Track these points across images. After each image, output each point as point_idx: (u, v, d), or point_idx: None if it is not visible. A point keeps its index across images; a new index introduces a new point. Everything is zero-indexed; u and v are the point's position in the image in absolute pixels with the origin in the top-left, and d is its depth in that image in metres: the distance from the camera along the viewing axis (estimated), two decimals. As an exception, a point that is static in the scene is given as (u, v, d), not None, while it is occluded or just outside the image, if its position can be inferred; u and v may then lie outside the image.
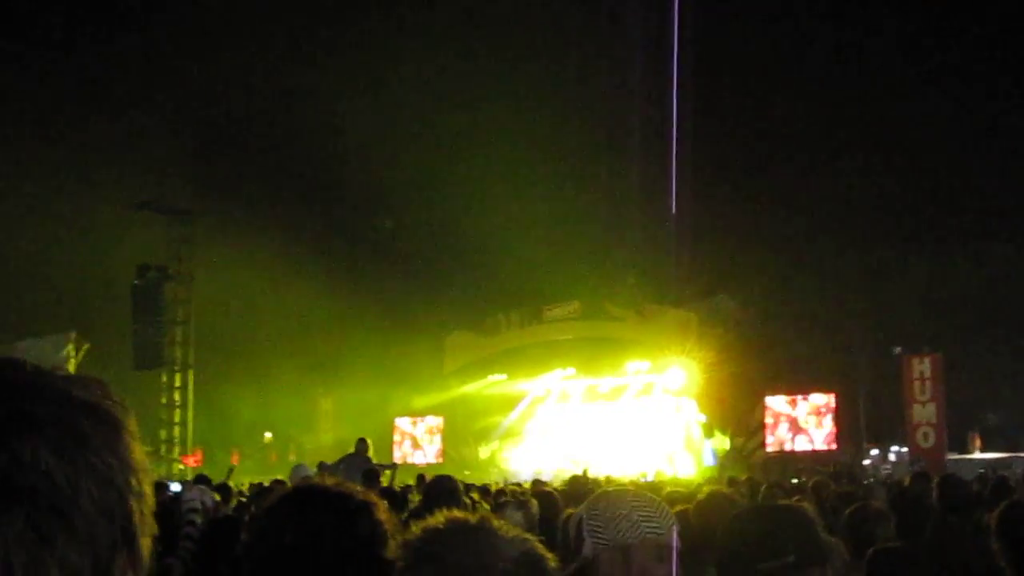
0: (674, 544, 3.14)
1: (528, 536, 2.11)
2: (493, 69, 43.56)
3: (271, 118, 44.10)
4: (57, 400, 1.01)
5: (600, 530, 3.13)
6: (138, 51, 46.23)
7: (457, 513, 2.11)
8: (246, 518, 2.62)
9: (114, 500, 0.99)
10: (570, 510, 4.85)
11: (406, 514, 7.36)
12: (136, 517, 1.02)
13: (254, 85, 45.00)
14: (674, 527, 3.16)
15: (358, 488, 2.62)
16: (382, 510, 2.54)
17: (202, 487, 10.02)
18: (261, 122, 44.88)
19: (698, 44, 36.15)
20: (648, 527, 3.10)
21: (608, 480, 15.98)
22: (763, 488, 11.76)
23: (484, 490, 13.36)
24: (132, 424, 1.07)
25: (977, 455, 35.13)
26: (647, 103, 41.28)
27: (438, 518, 2.10)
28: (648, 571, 3.03)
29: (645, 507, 3.13)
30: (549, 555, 2.08)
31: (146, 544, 1.06)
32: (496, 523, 2.10)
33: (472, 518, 2.13)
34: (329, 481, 2.64)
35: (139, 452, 1.05)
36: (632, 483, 15.45)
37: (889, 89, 43.04)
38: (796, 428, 36.00)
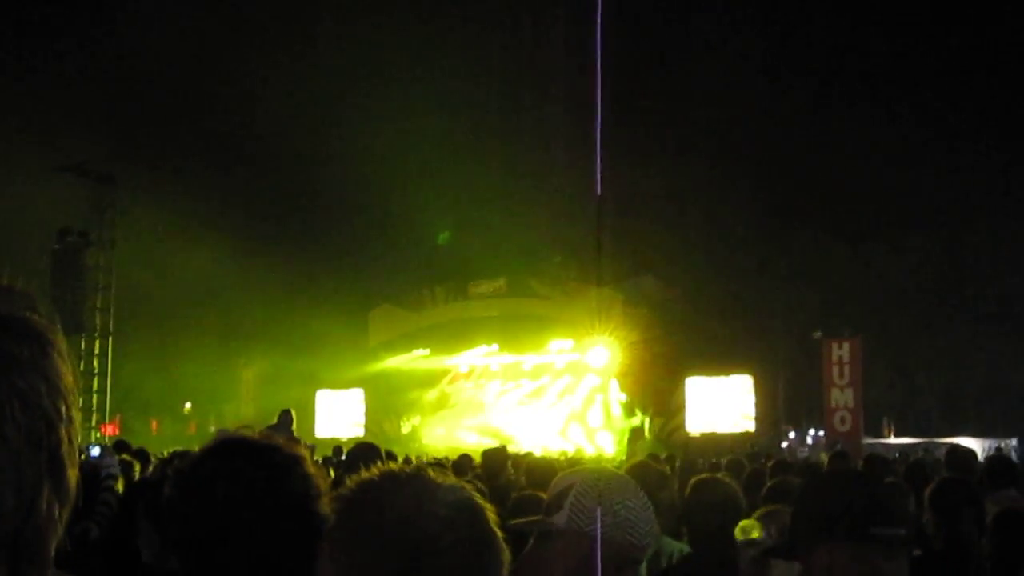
0: (640, 558, 3.06)
1: (465, 484, 2.10)
2: (422, 43, 43.41)
3: (197, 83, 43.52)
4: None
5: (583, 511, 3.03)
6: (63, 10, 45.41)
7: (391, 465, 2.10)
8: (169, 473, 2.53)
9: (41, 426, 0.93)
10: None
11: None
12: (64, 446, 0.96)
13: (180, 48, 44.34)
14: (651, 543, 3.07)
15: (289, 441, 2.56)
16: (311, 464, 2.48)
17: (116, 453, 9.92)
18: (187, 87, 44.30)
19: (624, 21, 36.34)
20: (628, 533, 2.98)
21: (528, 456, 15.94)
22: (679, 464, 11.86)
23: (407, 462, 13.33)
24: (61, 343, 1.00)
25: (892, 440, 35.73)
26: (572, 81, 41.40)
27: (371, 471, 2.08)
28: (605, 572, 2.90)
29: (635, 511, 3.04)
30: (486, 504, 2.07)
31: (72, 475, 0.99)
32: (431, 472, 2.09)
33: (407, 468, 2.12)
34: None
35: (68, 374, 0.98)
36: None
37: (812, 74, 43.47)
38: (716, 409, 36.33)
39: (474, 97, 43.35)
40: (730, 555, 4.47)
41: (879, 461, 9.06)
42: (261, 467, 2.36)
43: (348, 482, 2.10)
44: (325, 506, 2.39)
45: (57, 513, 0.96)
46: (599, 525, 2.98)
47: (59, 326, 1.01)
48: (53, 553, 0.98)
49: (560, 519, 3.03)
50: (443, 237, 42.88)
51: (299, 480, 2.38)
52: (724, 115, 41.33)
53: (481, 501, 2.05)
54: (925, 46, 41.36)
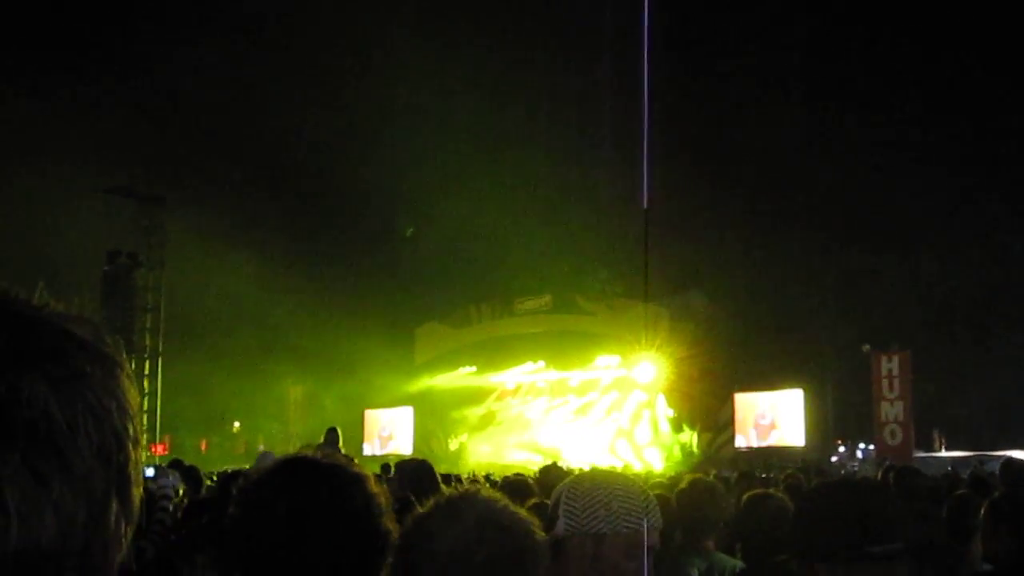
0: (649, 543, 3.06)
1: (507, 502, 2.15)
2: (466, 65, 43.53)
3: (245, 106, 43.91)
4: (54, 335, 0.95)
5: (575, 513, 3.04)
6: (113, 34, 45.96)
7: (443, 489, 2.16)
8: (233, 492, 2.55)
9: (111, 443, 0.94)
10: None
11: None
12: (132, 464, 0.98)
13: (229, 72, 44.75)
14: (655, 526, 3.07)
15: (348, 460, 2.58)
16: (374, 483, 2.51)
17: (175, 471, 9.99)
18: (236, 110, 44.67)
19: (672, 38, 36.27)
20: (625, 521, 2.98)
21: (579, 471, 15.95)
22: (735, 477, 11.79)
23: (458, 480, 13.33)
24: (127, 366, 1.03)
25: (943, 453, 35.37)
26: (620, 97, 41.33)
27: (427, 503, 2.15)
28: (616, 565, 2.94)
29: (628, 499, 3.01)
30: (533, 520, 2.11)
31: (137, 494, 1.01)
32: (485, 493, 2.14)
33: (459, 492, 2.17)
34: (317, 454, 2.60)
35: (134, 397, 1.00)
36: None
37: (867, 88, 43.26)
38: (765, 424, 36.14)
39: (520, 114, 43.44)
40: (783, 571, 4.46)
41: (909, 472, 8.98)
42: (324, 484, 2.39)
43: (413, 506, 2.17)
44: (388, 523, 2.42)
45: (123, 530, 0.98)
46: (594, 518, 3.00)
47: (123, 351, 1.03)
48: (117, 570, 1.00)
49: (559, 528, 3.06)
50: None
51: (362, 498, 2.41)
52: (772, 130, 41.16)
53: (518, 517, 2.10)
54: (977, 53, 41.07)
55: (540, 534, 2.14)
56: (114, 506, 0.94)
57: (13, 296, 0.97)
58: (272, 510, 2.35)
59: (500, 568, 2.00)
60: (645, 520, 3.02)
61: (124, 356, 1.00)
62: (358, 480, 2.45)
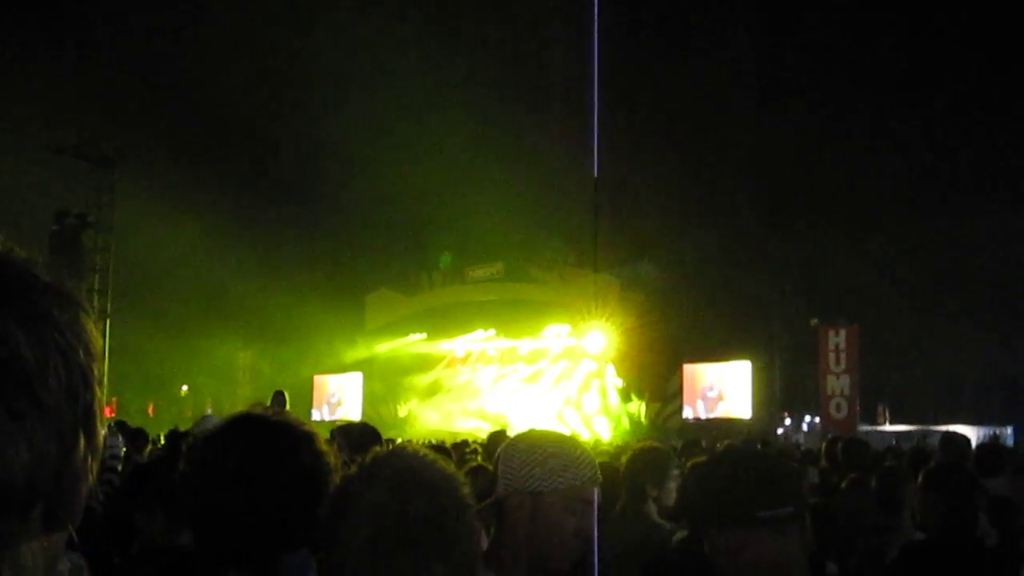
0: (587, 497, 3.07)
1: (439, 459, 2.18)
2: (420, 31, 43.35)
3: (199, 67, 43.44)
4: (20, 277, 0.98)
5: (512, 472, 3.05)
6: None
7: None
8: (183, 448, 2.54)
9: (79, 382, 0.96)
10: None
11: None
12: (96, 404, 1.00)
13: (180, 31, 44.31)
14: (594, 480, 3.08)
15: (297, 420, 2.59)
16: (322, 442, 2.52)
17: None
18: (188, 71, 44.23)
19: (623, 5, 36.29)
20: (561, 476, 3.01)
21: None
22: (680, 446, 11.89)
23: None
24: (90, 310, 1.05)
25: (887, 427, 35.79)
26: (570, 66, 41.30)
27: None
28: (556, 521, 2.95)
29: (564, 454, 3.02)
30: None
31: (102, 432, 1.04)
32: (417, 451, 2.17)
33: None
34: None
35: (97, 339, 1.02)
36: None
37: (820, 63, 43.43)
38: (712, 396, 36.38)
39: (472, 82, 43.27)
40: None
41: (858, 446, 9.14)
42: (272, 441, 2.40)
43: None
44: (337, 480, 2.44)
45: (90, 465, 1.01)
46: (531, 477, 3.02)
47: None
48: (84, 504, 1.03)
49: (498, 489, 3.08)
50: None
51: (309, 455, 2.42)
52: (723, 103, 41.29)
53: (442, 474, 2.12)
54: (926, 35, 41.32)
55: (466, 492, 2.15)
56: (82, 442, 0.97)
57: None
58: (220, 466, 2.36)
59: (417, 525, 2.02)
60: (581, 474, 3.04)
61: (86, 300, 1.02)
62: (306, 438, 2.47)
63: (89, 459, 1.00)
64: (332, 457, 2.48)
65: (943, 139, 40.30)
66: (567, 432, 3.34)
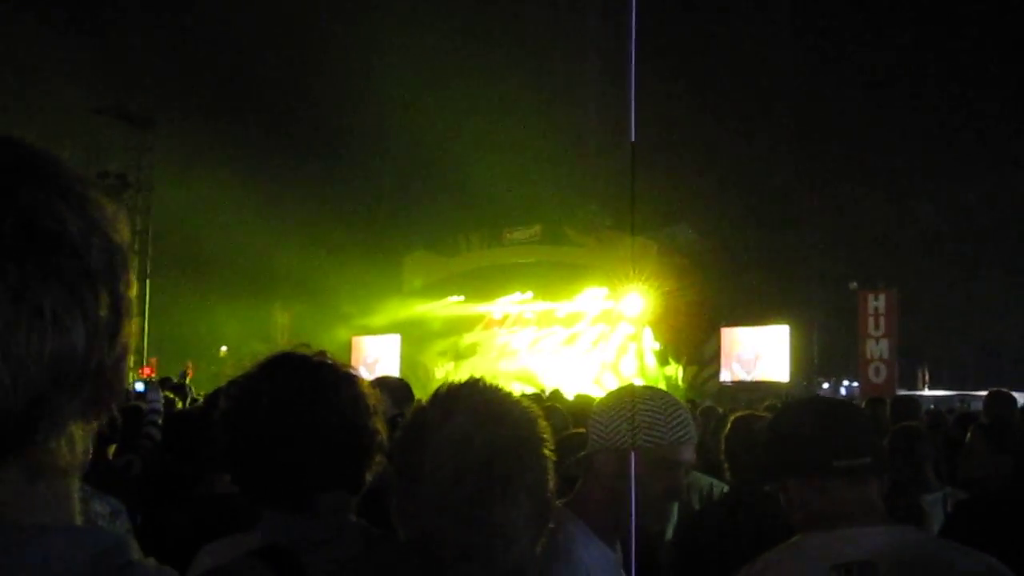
0: (680, 458, 3.01)
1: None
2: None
3: (239, 29, 43.46)
4: (53, 161, 1.02)
5: (600, 427, 3.02)
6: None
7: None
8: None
9: (117, 262, 0.99)
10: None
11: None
12: (130, 291, 1.02)
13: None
14: (685, 440, 3.03)
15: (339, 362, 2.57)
16: (366, 384, 2.50)
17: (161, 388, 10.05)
18: (228, 33, 44.25)
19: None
20: (648, 435, 2.96)
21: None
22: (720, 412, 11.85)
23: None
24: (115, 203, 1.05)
25: (926, 391, 35.59)
26: (608, 27, 41.08)
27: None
28: (640, 481, 2.87)
29: (654, 411, 2.99)
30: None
31: (133, 324, 1.04)
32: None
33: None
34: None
35: (126, 230, 1.03)
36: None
37: (861, 22, 42.98)
38: (750, 359, 36.27)
39: (510, 44, 43.13)
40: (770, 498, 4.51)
41: (905, 400, 9.08)
42: (311, 378, 2.39)
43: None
44: (377, 424, 2.42)
45: (127, 352, 1.02)
46: (617, 433, 2.97)
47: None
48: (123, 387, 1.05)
49: (589, 444, 3.05)
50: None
51: (348, 396, 2.40)
52: (762, 63, 40.97)
53: (519, 408, 2.08)
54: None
55: (543, 425, 2.12)
56: (124, 320, 1.00)
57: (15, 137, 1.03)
58: (257, 401, 2.35)
59: (498, 459, 1.98)
60: (671, 433, 3.00)
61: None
62: (347, 378, 2.45)
63: (128, 342, 1.01)
64: (374, 400, 2.47)
65: (985, 100, 39.82)
66: (660, 391, 3.26)
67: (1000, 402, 8.54)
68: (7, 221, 0.91)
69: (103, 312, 0.96)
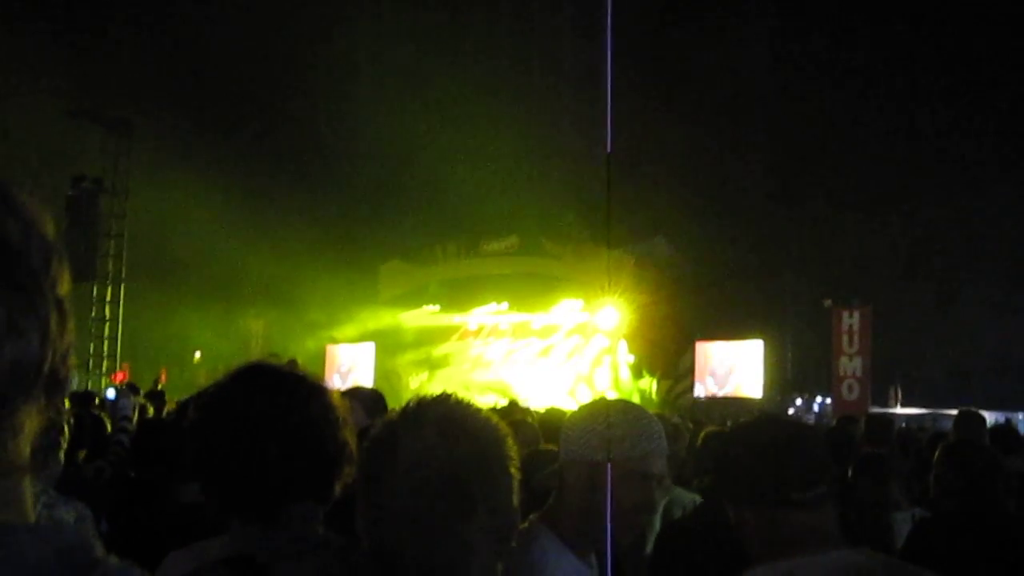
0: (651, 470, 3.01)
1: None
2: (432, 4, 43.29)
3: (217, 36, 43.38)
4: None
5: (571, 440, 3.02)
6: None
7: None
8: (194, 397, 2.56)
9: (53, 261, 1.00)
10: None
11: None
12: (64, 287, 1.02)
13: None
14: (657, 453, 3.03)
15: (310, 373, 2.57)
16: (336, 395, 2.50)
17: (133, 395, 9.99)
18: (207, 38, 44.16)
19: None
20: (620, 447, 2.97)
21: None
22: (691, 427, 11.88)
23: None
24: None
25: (898, 409, 35.73)
26: (586, 38, 41.20)
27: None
28: (615, 494, 2.88)
29: (625, 424, 2.99)
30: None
31: (72, 327, 1.04)
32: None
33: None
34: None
35: (52, 228, 1.03)
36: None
37: (833, 39, 43.17)
38: (723, 374, 36.36)
39: (486, 54, 43.17)
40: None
41: (879, 419, 9.14)
42: (282, 390, 2.38)
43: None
44: (347, 435, 2.42)
45: (71, 350, 1.04)
46: (588, 446, 2.97)
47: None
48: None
49: (560, 456, 3.06)
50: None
51: (319, 406, 2.40)
52: (738, 78, 41.15)
53: (487, 423, 2.09)
54: (941, 11, 41.02)
55: (509, 442, 2.12)
56: (68, 324, 1.01)
57: None
58: (228, 412, 2.34)
59: (463, 474, 1.99)
60: (642, 446, 2.99)
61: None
62: (317, 390, 2.45)
63: (72, 340, 1.03)
64: (342, 412, 2.47)
65: (958, 119, 40.05)
66: (633, 404, 3.27)
67: (968, 422, 8.59)
68: None
69: (52, 314, 0.97)
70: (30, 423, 0.98)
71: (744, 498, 2.81)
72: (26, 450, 0.98)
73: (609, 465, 2.91)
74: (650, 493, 3.00)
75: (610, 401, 3.20)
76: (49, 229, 1.01)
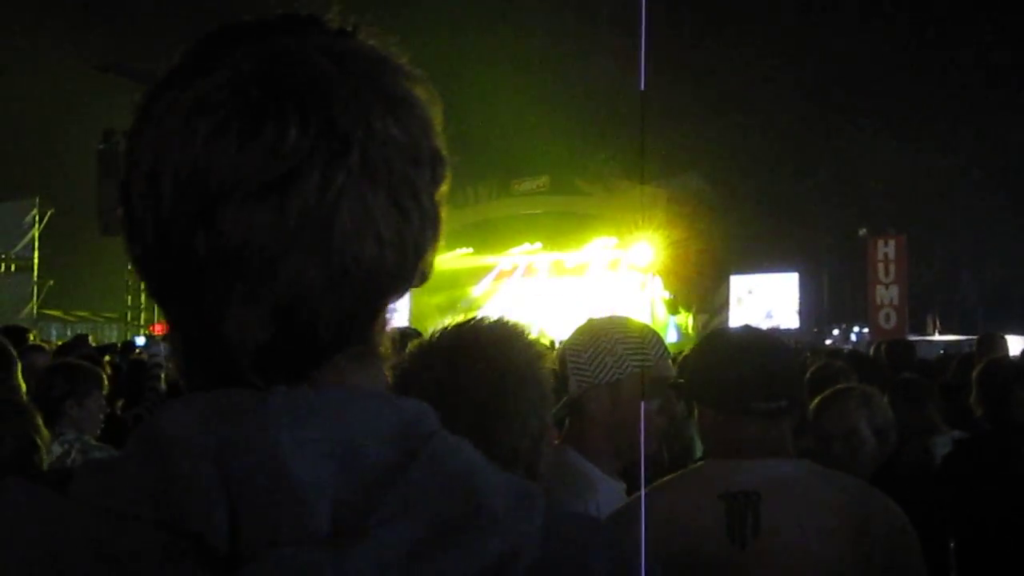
0: (665, 374, 3.06)
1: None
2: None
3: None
4: (379, 62, 1.20)
5: (583, 367, 3.03)
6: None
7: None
8: None
9: (440, 171, 1.20)
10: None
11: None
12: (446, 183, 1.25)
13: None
14: (666, 356, 3.07)
15: None
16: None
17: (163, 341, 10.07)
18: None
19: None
20: (635, 360, 2.98)
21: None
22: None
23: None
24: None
25: (936, 337, 35.59)
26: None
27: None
28: (635, 407, 2.96)
29: (631, 338, 3.03)
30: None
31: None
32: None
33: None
34: None
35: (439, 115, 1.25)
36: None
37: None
38: (759, 307, 36.29)
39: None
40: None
41: (902, 344, 9.13)
42: None
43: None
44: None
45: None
46: (603, 367, 2.99)
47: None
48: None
49: (571, 387, 3.06)
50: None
51: None
52: (770, 8, 40.71)
53: (506, 342, 2.09)
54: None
55: (532, 355, 2.14)
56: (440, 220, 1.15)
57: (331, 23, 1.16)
58: None
59: (477, 392, 2.01)
60: (654, 352, 3.03)
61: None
62: None
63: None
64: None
65: (991, 40, 39.51)
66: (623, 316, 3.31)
67: (991, 343, 8.57)
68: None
69: (429, 230, 1.13)
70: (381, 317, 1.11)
71: (706, 402, 2.89)
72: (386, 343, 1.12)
73: (642, 375, 2.96)
74: (668, 395, 3.06)
75: (602, 320, 3.23)
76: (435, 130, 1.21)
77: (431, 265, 1.14)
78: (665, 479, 2.90)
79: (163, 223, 0.99)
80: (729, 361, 2.87)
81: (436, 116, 1.20)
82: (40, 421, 3.99)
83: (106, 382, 5.73)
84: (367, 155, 1.00)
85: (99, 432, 5.21)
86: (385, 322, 1.11)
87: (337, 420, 0.97)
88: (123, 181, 1.09)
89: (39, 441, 3.84)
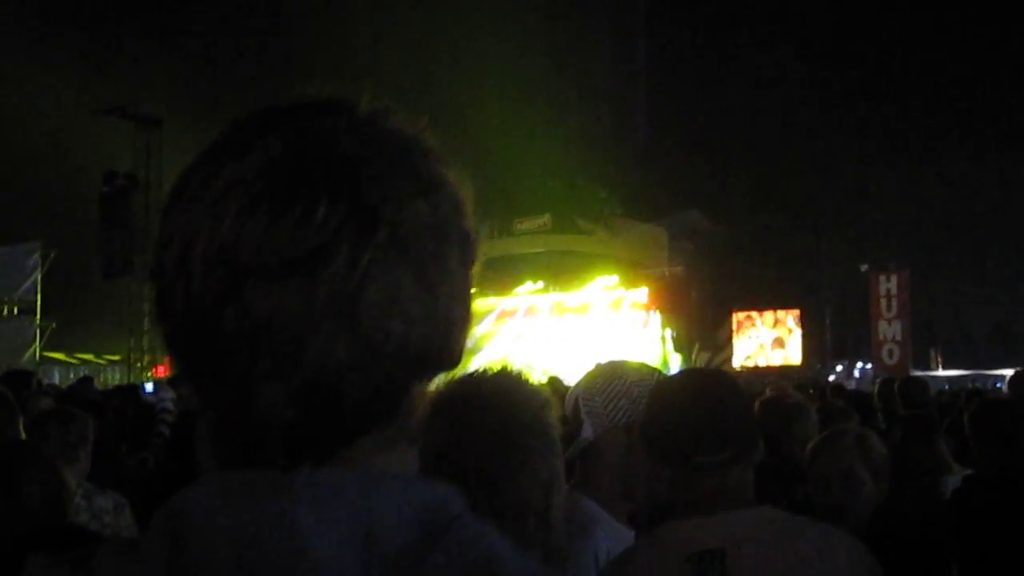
0: None
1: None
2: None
3: (247, 28, 43.55)
4: (404, 143, 1.16)
5: (597, 411, 3.03)
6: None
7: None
8: None
9: (468, 247, 1.14)
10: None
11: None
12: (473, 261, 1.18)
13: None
14: None
15: None
16: None
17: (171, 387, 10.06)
18: (236, 31, 44.34)
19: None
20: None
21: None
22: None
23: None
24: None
25: (940, 372, 35.55)
26: (619, 15, 41.02)
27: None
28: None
29: (644, 379, 3.05)
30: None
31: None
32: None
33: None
34: None
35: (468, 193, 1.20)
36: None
37: (866, 3, 42.86)
38: (762, 343, 36.26)
39: (519, 31, 43.06)
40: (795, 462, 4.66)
41: (914, 382, 9.08)
42: None
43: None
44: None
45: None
46: (618, 410, 3.00)
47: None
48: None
49: (585, 431, 3.05)
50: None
51: None
52: (772, 44, 40.90)
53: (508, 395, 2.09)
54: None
55: (538, 404, 2.13)
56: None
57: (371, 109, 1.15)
58: None
59: (514, 430, 2.01)
60: None
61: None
62: None
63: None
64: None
65: (995, 74, 39.68)
66: (630, 358, 3.32)
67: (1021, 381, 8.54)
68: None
69: (456, 304, 1.11)
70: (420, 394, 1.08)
71: (656, 457, 2.84)
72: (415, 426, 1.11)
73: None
74: None
75: (612, 363, 3.24)
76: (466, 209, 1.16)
77: (462, 346, 1.12)
78: (639, 540, 2.88)
79: (192, 298, 0.99)
80: (670, 412, 2.81)
81: (467, 197, 1.16)
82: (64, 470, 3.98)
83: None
84: (396, 233, 1.00)
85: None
86: (415, 403, 1.08)
87: (361, 501, 0.98)
88: (155, 258, 1.07)
89: (65, 491, 3.82)
